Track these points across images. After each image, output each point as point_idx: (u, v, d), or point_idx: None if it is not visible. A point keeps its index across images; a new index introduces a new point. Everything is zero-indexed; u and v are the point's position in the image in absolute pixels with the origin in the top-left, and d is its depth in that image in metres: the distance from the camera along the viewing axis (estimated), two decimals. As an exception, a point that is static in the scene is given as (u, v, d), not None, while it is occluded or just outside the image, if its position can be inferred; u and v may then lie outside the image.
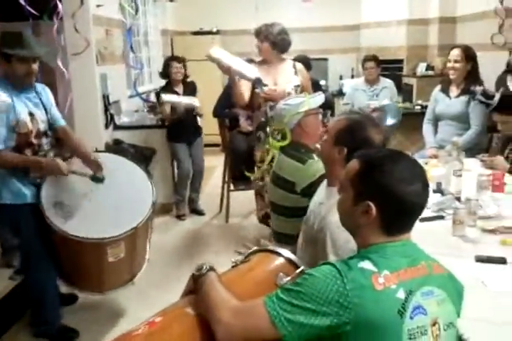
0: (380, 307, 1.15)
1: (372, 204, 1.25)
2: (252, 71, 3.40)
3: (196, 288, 1.39)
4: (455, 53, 3.59)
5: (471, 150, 3.33)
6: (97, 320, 3.00)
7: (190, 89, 4.64)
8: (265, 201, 3.69)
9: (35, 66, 2.56)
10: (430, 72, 6.14)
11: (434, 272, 1.26)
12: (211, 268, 1.40)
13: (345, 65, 7.62)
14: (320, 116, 2.61)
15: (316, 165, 2.35)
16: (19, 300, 2.97)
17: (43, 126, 2.66)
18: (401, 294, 1.18)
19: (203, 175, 4.88)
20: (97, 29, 4.52)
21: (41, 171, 2.60)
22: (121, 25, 5.40)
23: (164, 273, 3.58)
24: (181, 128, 4.55)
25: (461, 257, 1.91)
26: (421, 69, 6.29)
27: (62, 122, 2.86)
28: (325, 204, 1.84)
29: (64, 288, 2.98)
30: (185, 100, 4.43)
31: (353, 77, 7.45)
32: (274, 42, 3.58)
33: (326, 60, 7.41)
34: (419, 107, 4.95)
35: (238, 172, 4.58)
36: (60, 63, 3.73)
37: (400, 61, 6.76)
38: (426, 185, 1.29)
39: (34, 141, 2.61)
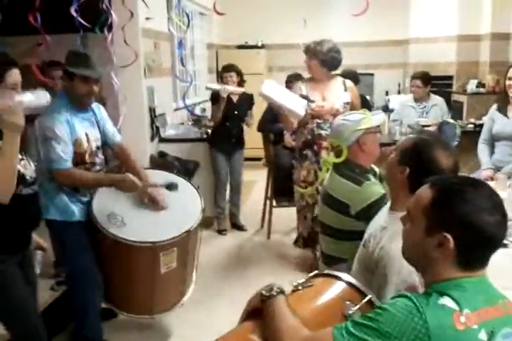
0: None
1: (449, 236, 1.16)
2: (301, 107, 3.40)
3: (263, 308, 1.33)
4: None
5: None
6: (139, 339, 2.97)
7: (246, 100, 4.57)
8: (307, 221, 3.63)
9: (96, 87, 2.58)
10: (481, 90, 5.97)
11: (510, 311, 1.17)
12: (281, 291, 1.35)
13: (391, 80, 7.50)
14: (379, 135, 2.51)
15: (373, 188, 2.26)
16: (62, 313, 2.93)
17: (95, 145, 2.68)
18: (483, 335, 1.09)
19: (240, 188, 4.83)
20: (146, 42, 4.56)
21: (116, 188, 2.58)
22: (168, 38, 5.45)
23: (205, 291, 3.50)
24: (223, 136, 4.54)
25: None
26: (471, 86, 6.12)
27: (118, 138, 2.85)
28: (388, 230, 1.73)
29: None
30: (230, 87, 4.37)
31: (399, 92, 7.32)
32: (323, 60, 3.53)
33: (372, 74, 7.31)
34: (471, 126, 4.77)
35: (281, 188, 4.51)
36: (113, 75, 3.74)
37: (450, 77, 6.60)
38: (505, 216, 1.19)
39: (88, 159, 2.62)
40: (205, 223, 4.76)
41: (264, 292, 1.36)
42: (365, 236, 1.89)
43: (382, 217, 1.89)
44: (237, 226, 4.77)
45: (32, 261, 2.27)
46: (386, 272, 1.62)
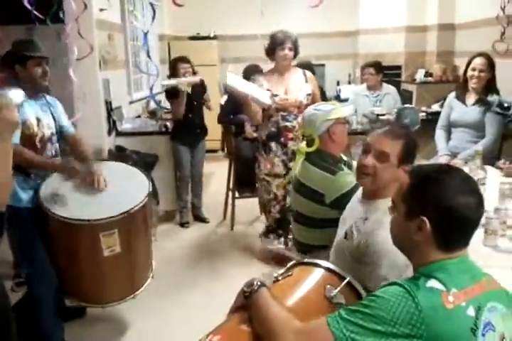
0: (454, 326, 1.13)
1: (426, 219, 1.22)
2: (266, 96, 3.44)
3: (248, 304, 1.35)
4: (481, 62, 3.51)
5: (484, 158, 3.31)
6: (103, 334, 2.95)
7: (199, 86, 4.53)
8: (271, 215, 3.68)
9: (47, 67, 2.66)
10: (429, 79, 6.17)
11: (493, 287, 1.25)
12: (262, 284, 1.37)
13: (342, 70, 7.62)
14: (347, 127, 2.58)
15: (347, 177, 2.32)
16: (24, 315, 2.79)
17: (48, 132, 2.71)
18: (471, 311, 1.16)
19: (202, 179, 4.84)
20: (100, 33, 4.45)
21: (62, 173, 2.66)
22: (122, 29, 5.35)
23: (169, 283, 3.52)
24: (186, 128, 4.52)
25: (498, 268, 1.87)
26: (420, 75, 6.31)
27: (71, 130, 2.91)
28: (369, 220, 1.80)
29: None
30: (186, 79, 4.34)
31: (349, 83, 7.46)
32: (296, 50, 3.57)
33: (323, 65, 7.40)
34: (423, 114, 4.94)
35: (243, 179, 4.54)
36: (70, 69, 3.65)
37: (398, 67, 6.78)
38: (480, 199, 1.26)
39: (38, 144, 2.63)
40: (167, 217, 4.77)
41: (245, 288, 1.38)
42: (345, 228, 1.92)
43: (357, 209, 1.92)
44: (199, 219, 4.76)
45: None
46: (377, 258, 1.68)
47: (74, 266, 2.66)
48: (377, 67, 4.95)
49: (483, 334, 1.15)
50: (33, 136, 2.61)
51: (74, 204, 2.57)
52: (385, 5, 6.80)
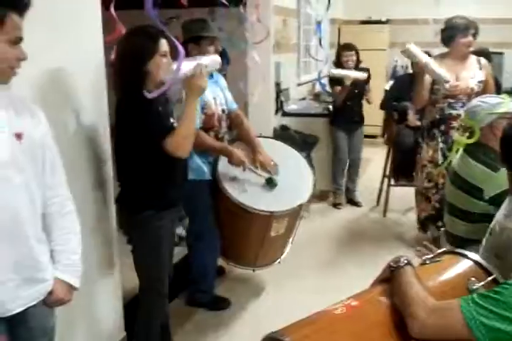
0: None
1: None
2: (443, 70, 3.35)
3: (392, 278, 1.45)
4: None
5: None
6: (244, 291, 3.26)
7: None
8: (431, 203, 3.62)
9: (219, 46, 2.87)
10: None
11: None
12: (408, 262, 1.46)
13: (523, 60, 7.05)
14: None
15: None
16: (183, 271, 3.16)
17: (221, 110, 2.89)
18: None
19: (359, 165, 4.92)
20: (276, 19, 4.70)
21: (227, 159, 2.81)
22: (296, 14, 5.56)
23: (315, 257, 3.74)
24: (345, 115, 4.62)
25: None
26: None
27: (235, 106, 3.05)
28: (510, 216, 1.78)
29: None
30: (352, 72, 4.43)
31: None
32: (475, 37, 3.47)
33: (501, 54, 6.91)
34: None
35: (401, 167, 4.53)
36: (250, 52, 3.92)
37: None
38: None
39: (216, 123, 2.83)
40: (322, 196, 4.94)
41: (392, 263, 1.47)
42: (491, 224, 1.93)
43: (506, 204, 1.91)
44: (352, 202, 4.87)
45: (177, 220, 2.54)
46: None
47: (240, 239, 2.97)
48: None
49: None
50: (213, 115, 2.80)
51: (253, 191, 2.81)
52: None
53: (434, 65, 3.34)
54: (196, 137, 2.61)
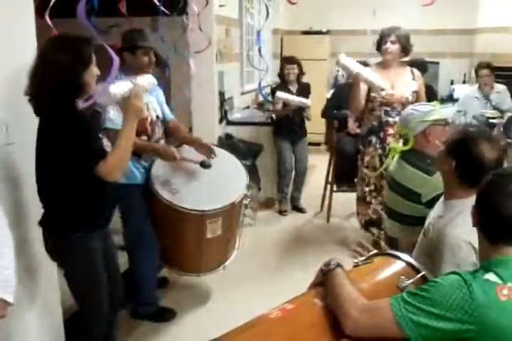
0: (504, 317, 1.21)
1: (475, 214, 1.38)
2: (377, 78, 3.47)
3: (325, 281, 1.50)
4: None
5: None
6: (190, 301, 3.23)
7: (304, 90, 4.74)
8: (371, 207, 3.72)
9: (153, 57, 2.87)
10: (552, 82, 5.81)
11: None
12: (339, 265, 1.51)
13: (457, 69, 7.39)
14: (447, 129, 2.58)
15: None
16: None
17: (155, 115, 2.91)
18: None
19: (305, 174, 4.99)
20: (218, 28, 4.74)
21: (157, 156, 2.83)
22: (238, 24, 5.62)
23: (261, 264, 3.77)
24: (287, 126, 4.69)
25: None
26: (541, 78, 5.97)
27: (171, 116, 3.10)
28: (443, 218, 1.88)
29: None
30: (297, 99, 4.53)
31: (464, 82, 7.23)
32: (403, 45, 3.60)
33: (437, 63, 7.22)
34: (538, 119, 4.72)
35: (342, 174, 4.64)
36: (190, 60, 3.94)
37: (518, 69, 6.45)
38: None
39: (148, 128, 2.84)
40: (267, 204, 4.99)
41: (323, 267, 1.53)
42: (425, 225, 2.03)
43: (438, 206, 2.01)
44: (297, 209, 4.94)
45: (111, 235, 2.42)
46: (445, 255, 1.77)
47: (178, 243, 2.95)
48: (491, 67, 4.84)
49: None
50: (145, 119, 2.77)
51: (184, 192, 2.81)
52: (507, 2, 6.46)
53: (367, 73, 3.45)
54: None
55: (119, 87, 2.05)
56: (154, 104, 2.93)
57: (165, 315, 3.03)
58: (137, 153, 2.77)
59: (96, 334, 2.28)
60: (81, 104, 1.94)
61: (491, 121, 4.53)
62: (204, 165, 2.90)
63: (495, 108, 4.80)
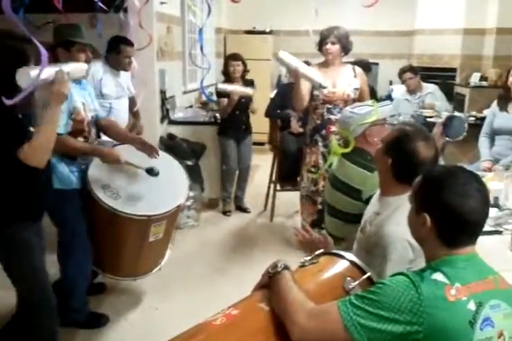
0: (453, 318, 1.20)
1: (427, 216, 1.32)
2: (317, 75, 3.48)
3: (270, 284, 1.46)
4: None
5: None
6: (128, 306, 3.14)
7: (249, 86, 4.69)
8: (316, 207, 3.74)
9: (90, 55, 2.77)
10: (484, 83, 6.07)
11: (500, 287, 1.30)
12: (286, 267, 1.48)
13: (396, 70, 7.53)
14: (386, 126, 2.63)
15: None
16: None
17: (91, 115, 2.80)
18: (472, 306, 1.22)
19: (249, 173, 4.97)
20: (159, 25, 4.65)
21: (102, 159, 2.71)
22: (180, 22, 5.53)
23: (206, 265, 3.72)
24: (232, 124, 4.65)
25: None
26: (474, 79, 6.22)
27: (103, 114, 3.04)
28: (381, 215, 1.89)
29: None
30: (239, 89, 4.49)
31: (403, 83, 7.40)
32: (344, 45, 3.64)
33: (376, 64, 7.39)
34: (472, 118, 4.90)
35: (286, 173, 4.66)
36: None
37: (453, 70, 6.70)
38: (485, 201, 1.33)
39: (86, 128, 2.73)
40: (211, 204, 4.94)
41: (270, 269, 1.48)
42: (362, 222, 2.04)
43: (374, 203, 2.04)
44: (241, 209, 4.92)
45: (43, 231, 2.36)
46: (384, 252, 1.78)
47: (117, 247, 2.85)
48: (413, 69, 5.02)
49: (481, 329, 1.21)
50: (82, 120, 2.69)
51: (127, 196, 2.72)
52: (444, 6, 6.71)
53: (306, 70, 3.47)
54: (65, 142, 2.54)
55: (45, 72, 1.96)
56: (90, 103, 2.83)
57: (97, 321, 2.92)
58: (71, 156, 2.67)
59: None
60: (10, 100, 1.83)
61: (428, 120, 4.66)
62: (152, 173, 2.80)
63: (424, 108, 4.96)
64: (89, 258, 2.81)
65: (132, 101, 4.00)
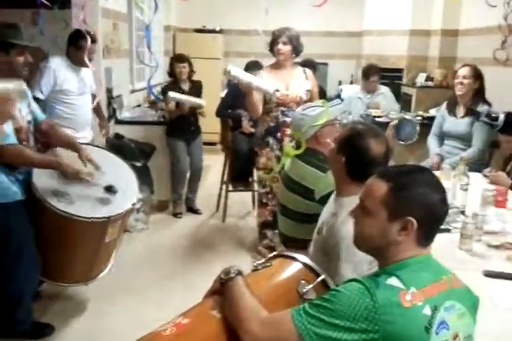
0: (409, 324, 1.18)
1: (412, 219, 1.26)
2: (269, 85, 3.47)
3: (223, 291, 1.40)
4: (465, 71, 3.64)
5: (473, 164, 3.38)
6: (73, 314, 3.01)
7: (196, 88, 4.64)
8: (268, 208, 3.69)
9: (29, 57, 2.60)
10: (430, 83, 6.21)
11: (454, 286, 1.30)
12: (239, 273, 1.43)
13: (344, 70, 7.67)
14: (337, 126, 2.63)
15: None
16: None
17: (27, 121, 2.64)
18: (427, 310, 1.20)
19: (200, 174, 4.88)
20: (105, 22, 4.50)
21: (61, 172, 2.59)
22: (127, 19, 5.40)
23: (157, 269, 3.62)
24: (181, 125, 4.56)
25: (468, 271, 1.94)
26: (420, 79, 6.35)
27: (42, 115, 2.84)
28: (338, 216, 1.87)
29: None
30: (192, 99, 4.42)
31: (351, 83, 7.52)
32: (295, 46, 3.61)
33: (326, 64, 7.46)
34: (419, 118, 4.99)
35: (238, 173, 4.61)
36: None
37: (400, 70, 6.82)
38: (445, 193, 1.33)
39: (23, 136, 2.57)
40: (160, 206, 4.83)
41: (222, 275, 1.43)
42: (318, 223, 2.02)
43: (330, 203, 2.02)
44: (192, 210, 4.83)
45: None
46: (342, 254, 1.76)
47: (70, 254, 2.74)
48: (379, 73, 5.11)
49: (437, 333, 1.20)
50: (21, 129, 2.54)
51: (82, 202, 2.62)
52: (391, 7, 6.82)
53: (257, 81, 3.44)
54: (21, 154, 2.42)
55: None
56: (26, 109, 2.64)
57: (41, 331, 2.78)
58: (10, 165, 2.48)
59: None
60: None
61: (376, 120, 4.73)
62: (110, 190, 2.72)
63: (370, 107, 5.05)
64: (36, 269, 2.66)
65: (94, 99, 3.86)
